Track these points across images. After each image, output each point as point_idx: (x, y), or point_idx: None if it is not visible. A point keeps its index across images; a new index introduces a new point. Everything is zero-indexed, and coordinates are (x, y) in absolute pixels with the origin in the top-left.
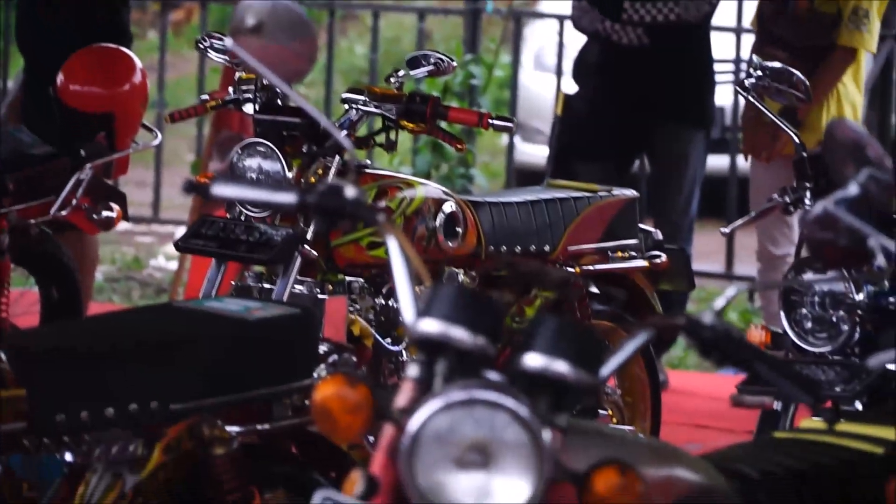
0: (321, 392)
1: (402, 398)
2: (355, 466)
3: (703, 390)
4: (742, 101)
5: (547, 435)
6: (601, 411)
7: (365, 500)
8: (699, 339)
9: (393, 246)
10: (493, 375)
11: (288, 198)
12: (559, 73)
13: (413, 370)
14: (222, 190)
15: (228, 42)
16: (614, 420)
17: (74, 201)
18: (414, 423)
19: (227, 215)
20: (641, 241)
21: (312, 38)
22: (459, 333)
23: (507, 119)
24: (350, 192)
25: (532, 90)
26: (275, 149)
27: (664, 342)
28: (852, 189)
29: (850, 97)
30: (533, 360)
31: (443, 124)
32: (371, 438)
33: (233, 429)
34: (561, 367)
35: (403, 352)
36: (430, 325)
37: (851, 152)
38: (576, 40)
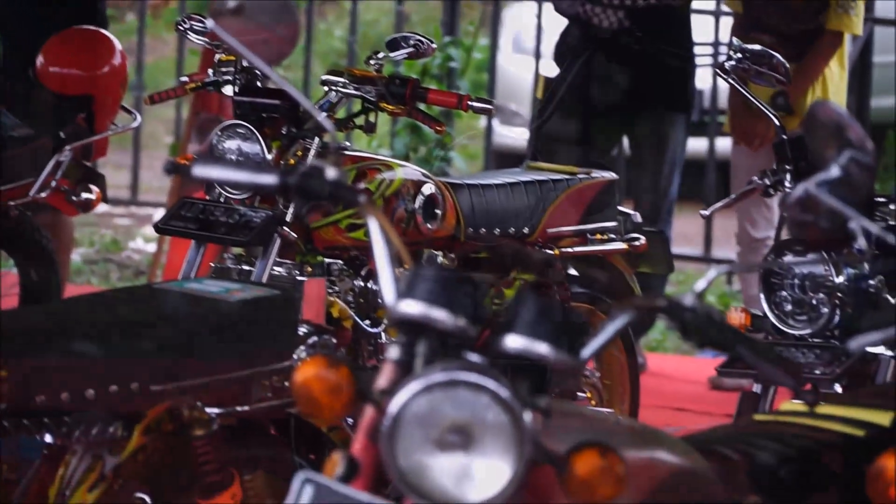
0: (302, 373)
1: (382, 380)
2: (335, 448)
3: (681, 373)
4: (721, 85)
5: (528, 417)
6: (580, 394)
7: (345, 481)
8: (680, 321)
9: (374, 227)
10: (473, 357)
11: (269, 179)
12: (538, 55)
13: (394, 351)
14: (204, 171)
15: (210, 23)
16: (593, 402)
17: (54, 183)
18: (394, 404)
19: (207, 197)
20: (620, 224)
21: (294, 21)
22: (440, 315)
23: (487, 101)
24: (331, 173)
25: (510, 73)
26: (254, 131)
27: (643, 325)
28: (833, 171)
29: (835, 80)
30: (514, 341)
31: (422, 106)
32: (350, 420)
33: (212, 410)
34: (542, 348)
35: (382, 334)
36: (411, 307)
37: (833, 134)
38: (554, 23)
